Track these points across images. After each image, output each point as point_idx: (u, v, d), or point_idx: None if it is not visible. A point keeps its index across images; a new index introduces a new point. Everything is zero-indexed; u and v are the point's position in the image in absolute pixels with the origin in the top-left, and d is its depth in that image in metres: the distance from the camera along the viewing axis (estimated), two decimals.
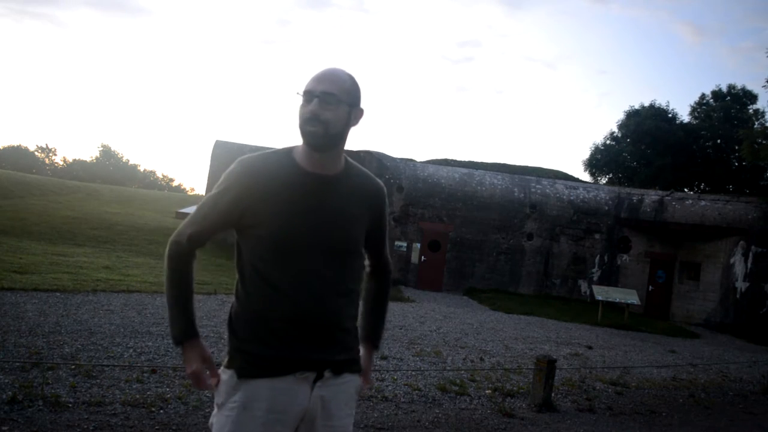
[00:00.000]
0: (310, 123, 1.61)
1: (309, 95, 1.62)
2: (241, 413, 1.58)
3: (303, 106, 1.64)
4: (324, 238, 1.64)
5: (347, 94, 1.65)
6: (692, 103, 33.60)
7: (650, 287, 18.32)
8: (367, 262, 1.92)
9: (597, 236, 18.62)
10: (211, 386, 1.66)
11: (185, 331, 1.69)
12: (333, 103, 1.62)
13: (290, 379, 1.59)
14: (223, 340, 6.56)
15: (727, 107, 29.76)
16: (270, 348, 1.59)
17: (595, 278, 18.38)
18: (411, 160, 20.32)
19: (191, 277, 1.71)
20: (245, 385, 1.59)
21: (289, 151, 1.70)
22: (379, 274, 1.96)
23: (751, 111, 30.04)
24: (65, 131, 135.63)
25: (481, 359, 7.67)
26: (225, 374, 1.64)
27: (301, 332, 1.61)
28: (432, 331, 9.45)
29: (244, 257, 1.67)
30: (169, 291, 1.69)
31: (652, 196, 18.70)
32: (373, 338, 1.93)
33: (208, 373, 1.67)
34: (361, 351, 1.85)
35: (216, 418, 1.64)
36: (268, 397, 1.58)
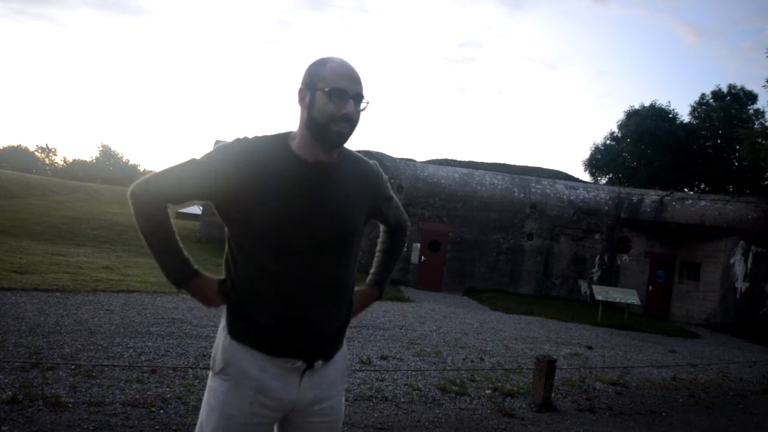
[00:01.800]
0: (340, 123, 1.57)
1: (342, 94, 1.57)
2: (233, 387, 1.59)
3: (331, 104, 1.57)
4: (321, 232, 1.61)
5: (365, 92, 1.65)
6: (692, 103, 33.65)
7: (650, 287, 18.32)
8: (382, 227, 2.00)
9: (597, 236, 18.61)
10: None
11: (186, 270, 1.66)
12: (362, 103, 1.62)
13: (280, 365, 1.60)
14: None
15: (727, 107, 29.79)
16: (263, 337, 1.60)
17: (595, 278, 18.38)
18: (411, 160, 20.32)
19: (170, 219, 1.65)
20: (237, 361, 1.59)
21: (284, 138, 1.65)
22: (393, 231, 2.00)
23: (751, 111, 30.07)
24: (65, 131, 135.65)
25: (481, 359, 7.66)
26: (225, 340, 1.64)
27: (295, 328, 1.60)
28: (432, 331, 9.45)
29: (235, 246, 1.63)
30: (154, 236, 1.62)
31: (652, 196, 18.70)
32: (380, 285, 1.98)
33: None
34: (364, 289, 1.92)
35: (211, 381, 1.65)
36: (258, 378, 1.58)
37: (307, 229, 1.59)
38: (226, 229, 1.67)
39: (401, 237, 2.03)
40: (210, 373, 1.67)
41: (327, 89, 1.57)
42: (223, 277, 1.68)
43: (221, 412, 1.59)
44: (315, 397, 1.65)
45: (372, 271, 2.00)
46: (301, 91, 1.64)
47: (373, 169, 1.80)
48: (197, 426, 1.66)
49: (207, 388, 1.66)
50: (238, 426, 1.58)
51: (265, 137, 1.65)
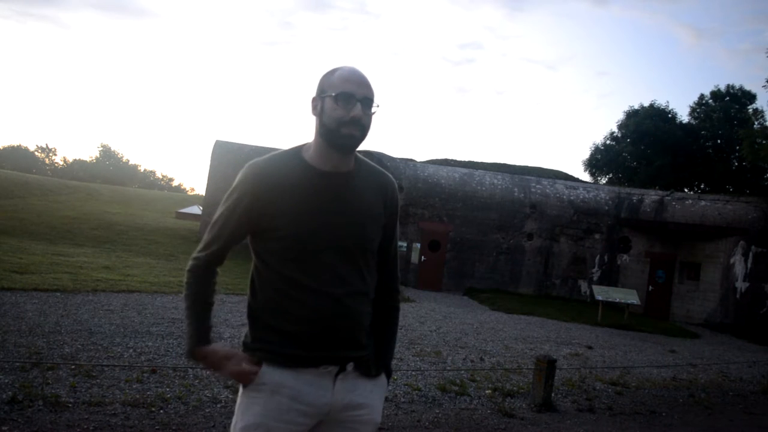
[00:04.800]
0: (350, 127, 1.59)
1: (349, 98, 1.59)
2: (270, 398, 1.59)
3: (339, 108, 1.60)
4: (341, 238, 1.63)
5: (375, 97, 1.65)
6: (692, 104, 33.62)
7: (650, 287, 18.31)
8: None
9: (597, 236, 18.61)
10: (253, 373, 1.63)
11: (197, 340, 1.67)
12: (371, 107, 1.63)
13: (313, 372, 1.61)
14: (222, 340, 6.56)
15: (726, 107, 29.79)
16: (291, 349, 1.61)
17: (595, 278, 18.38)
18: (411, 160, 20.31)
19: (208, 291, 1.70)
20: (271, 373, 1.60)
21: (298, 152, 1.69)
22: (383, 293, 1.81)
23: (750, 111, 30.07)
24: (65, 131, 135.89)
25: (481, 359, 7.66)
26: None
27: (321, 333, 1.61)
28: (432, 331, 9.45)
29: (260, 259, 1.67)
30: (186, 305, 1.70)
31: (652, 196, 18.70)
32: (388, 367, 1.80)
33: (243, 364, 1.65)
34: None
35: (243, 397, 1.64)
36: (293, 387, 1.60)
37: (327, 237, 1.62)
38: (253, 252, 1.69)
39: (394, 301, 1.86)
40: (240, 390, 1.66)
41: (334, 94, 1.60)
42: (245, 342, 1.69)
43: (259, 425, 1.58)
44: (350, 402, 1.66)
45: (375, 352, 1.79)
46: (313, 100, 1.67)
47: (390, 182, 1.79)
48: None
49: (238, 404, 1.65)
50: None
51: (277, 153, 1.69)
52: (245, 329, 1.72)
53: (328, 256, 1.62)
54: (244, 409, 1.62)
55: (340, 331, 1.62)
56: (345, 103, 1.59)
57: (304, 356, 1.60)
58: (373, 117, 1.66)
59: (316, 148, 1.66)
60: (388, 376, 1.81)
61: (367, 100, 1.61)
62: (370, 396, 1.70)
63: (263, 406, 1.59)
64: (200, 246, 1.71)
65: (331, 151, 1.63)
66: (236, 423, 1.63)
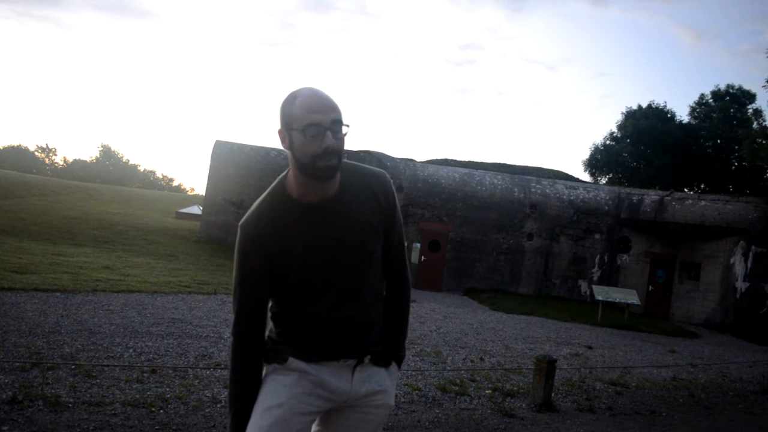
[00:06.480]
0: (325, 158, 1.53)
1: (317, 129, 1.52)
2: (297, 381, 1.68)
3: (309, 142, 1.53)
4: (345, 265, 1.67)
5: (343, 115, 1.58)
6: (692, 104, 33.64)
7: (650, 287, 18.30)
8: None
9: (597, 236, 18.60)
10: None
11: None
12: (340, 130, 1.57)
13: (334, 364, 1.71)
14: (223, 340, 6.56)
15: (726, 107, 29.80)
16: (313, 346, 1.70)
17: (595, 278, 18.37)
18: (411, 160, 20.32)
19: (251, 368, 1.70)
20: (297, 362, 1.69)
21: (281, 187, 1.67)
22: (392, 283, 1.85)
23: (750, 111, 30.07)
24: (65, 131, 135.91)
25: (481, 359, 7.66)
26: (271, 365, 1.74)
27: (340, 344, 1.71)
28: (432, 331, 9.44)
29: (273, 298, 1.73)
30: (230, 387, 1.73)
31: (652, 196, 18.69)
32: (398, 357, 1.87)
33: None
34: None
35: (271, 378, 1.71)
36: (317, 375, 1.69)
37: (331, 270, 1.66)
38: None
39: (404, 289, 1.87)
40: (264, 372, 1.73)
41: (301, 128, 1.54)
42: None
43: (282, 404, 1.65)
44: (367, 391, 1.75)
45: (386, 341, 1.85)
46: (280, 132, 1.62)
47: (380, 181, 1.75)
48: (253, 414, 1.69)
49: (265, 383, 1.71)
50: (295, 415, 1.66)
51: (262, 199, 1.69)
52: None
53: (335, 285, 1.67)
54: (269, 390, 1.68)
55: (357, 339, 1.72)
56: (314, 136, 1.53)
57: (326, 353, 1.70)
58: (346, 136, 1.59)
59: (296, 181, 1.63)
60: (400, 361, 1.87)
61: (335, 124, 1.54)
62: (384, 382, 1.79)
63: (291, 388, 1.67)
64: (232, 321, 1.71)
65: (312, 181, 1.60)
66: (258, 404, 1.68)
